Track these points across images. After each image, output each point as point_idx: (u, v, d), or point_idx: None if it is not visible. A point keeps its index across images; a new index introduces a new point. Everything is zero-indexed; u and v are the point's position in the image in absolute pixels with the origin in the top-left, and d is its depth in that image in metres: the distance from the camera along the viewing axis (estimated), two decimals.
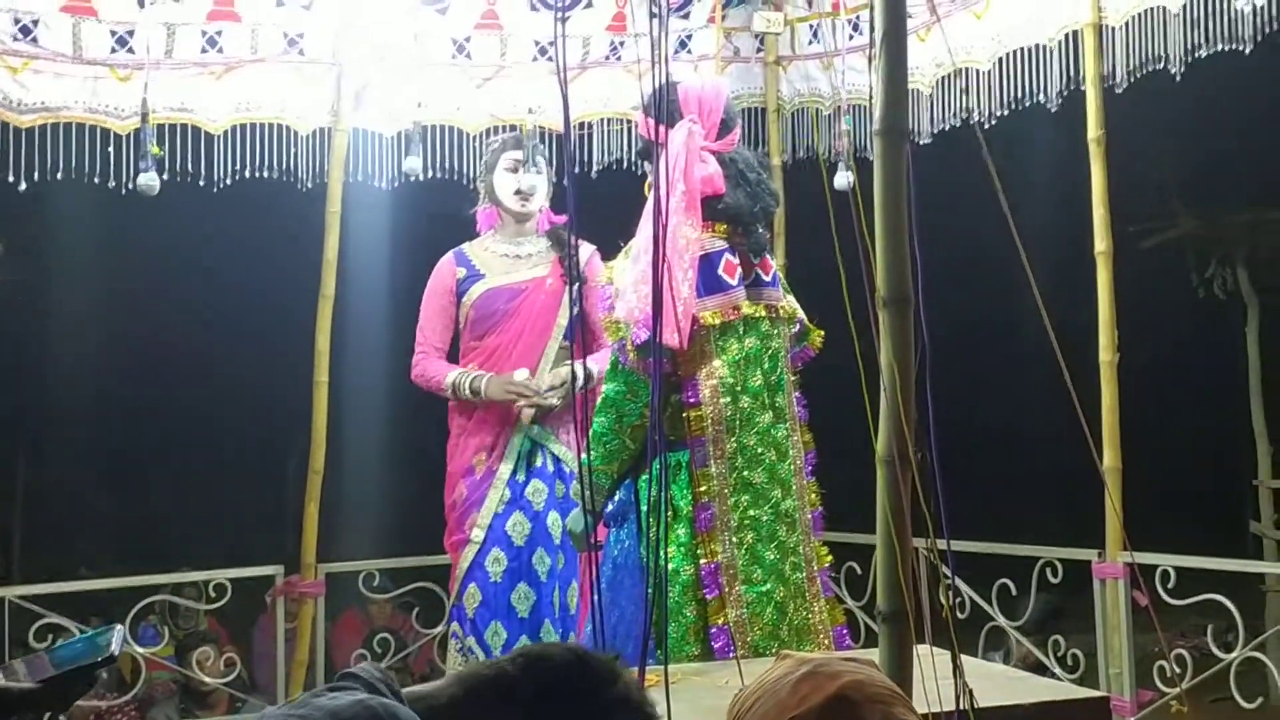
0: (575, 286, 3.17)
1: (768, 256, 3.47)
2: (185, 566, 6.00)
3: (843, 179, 4.07)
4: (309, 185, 4.70)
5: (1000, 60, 4.43)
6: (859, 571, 4.79)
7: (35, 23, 4.30)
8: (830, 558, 3.53)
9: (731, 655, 3.04)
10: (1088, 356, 3.98)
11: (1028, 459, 10.56)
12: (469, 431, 4.28)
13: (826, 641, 3.36)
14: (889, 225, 2.01)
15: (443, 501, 4.34)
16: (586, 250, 4.23)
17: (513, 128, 4.69)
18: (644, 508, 3.25)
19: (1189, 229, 8.82)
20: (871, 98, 2.13)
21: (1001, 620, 4.66)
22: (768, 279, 3.43)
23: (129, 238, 8.53)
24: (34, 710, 1.62)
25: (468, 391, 4.21)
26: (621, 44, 4.96)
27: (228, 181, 4.55)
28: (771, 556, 3.29)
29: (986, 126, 4.41)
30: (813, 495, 3.48)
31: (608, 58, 5.01)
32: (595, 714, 1.58)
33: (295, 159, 4.65)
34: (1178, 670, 4.15)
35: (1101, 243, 4.10)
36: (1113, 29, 4.08)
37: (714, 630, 3.22)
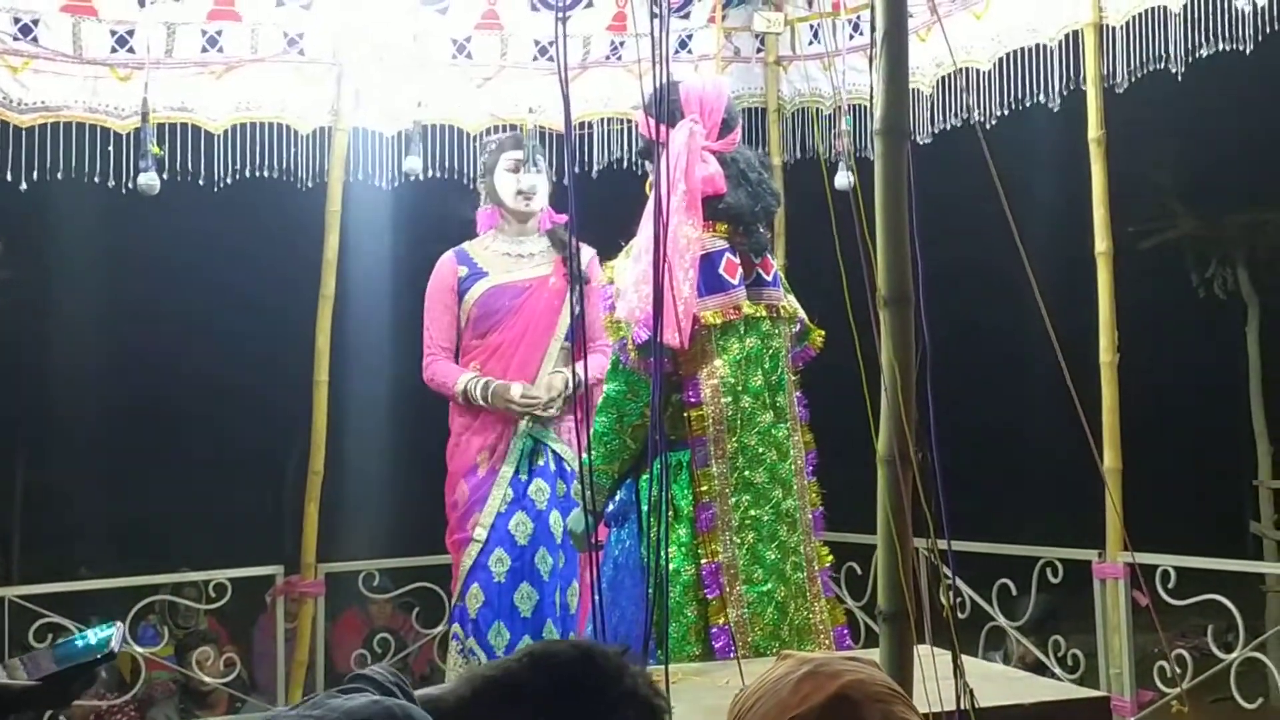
0: (578, 289, 3.16)
1: (768, 256, 3.47)
2: (185, 566, 6.01)
3: (843, 179, 4.06)
4: (309, 185, 4.70)
5: (1000, 60, 4.44)
6: (859, 571, 4.78)
7: (35, 22, 4.30)
8: (831, 558, 3.53)
9: (732, 655, 3.03)
10: (1088, 357, 3.98)
11: (1028, 459, 10.58)
12: (472, 431, 4.28)
13: (827, 641, 3.35)
14: (889, 225, 2.01)
15: (443, 501, 4.33)
16: (586, 254, 4.21)
17: (513, 127, 4.69)
18: (645, 507, 3.24)
19: (1189, 229, 8.84)
20: (872, 98, 2.13)
21: (1002, 620, 4.66)
22: (769, 279, 3.43)
23: (129, 237, 8.54)
24: (34, 707, 1.62)
25: (479, 398, 4.21)
26: (622, 44, 4.96)
27: (228, 181, 4.55)
28: (772, 556, 3.28)
29: (987, 126, 4.41)
30: (813, 495, 3.49)
31: (608, 57, 5.01)
32: (603, 709, 1.58)
33: (295, 159, 4.65)
34: (1178, 670, 4.14)
35: (1102, 243, 4.11)
36: (1113, 29, 4.08)
37: (715, 630, 3.22)
